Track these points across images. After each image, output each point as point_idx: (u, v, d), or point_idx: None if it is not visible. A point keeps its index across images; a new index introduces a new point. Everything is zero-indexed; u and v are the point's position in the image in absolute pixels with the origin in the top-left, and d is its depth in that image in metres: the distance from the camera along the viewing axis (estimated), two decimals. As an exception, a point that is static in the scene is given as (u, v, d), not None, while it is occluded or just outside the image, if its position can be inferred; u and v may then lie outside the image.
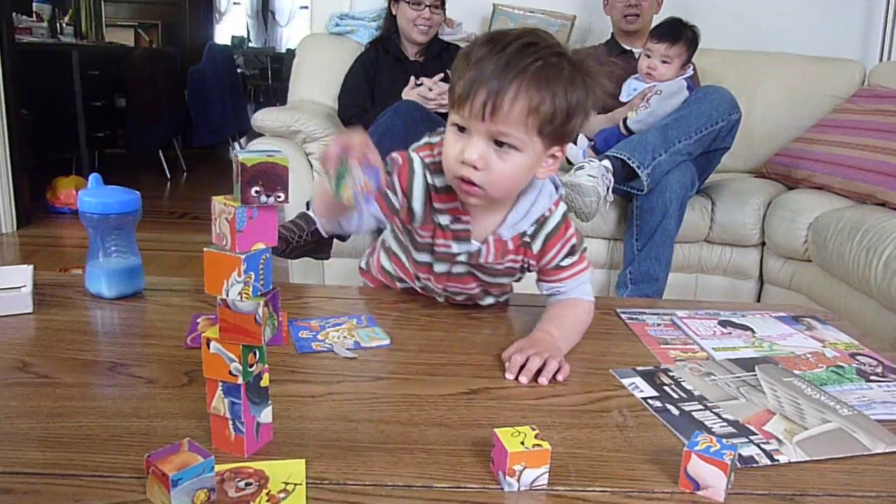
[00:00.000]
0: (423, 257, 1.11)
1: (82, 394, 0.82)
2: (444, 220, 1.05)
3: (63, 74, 4.04)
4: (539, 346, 0.95)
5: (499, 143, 0.93)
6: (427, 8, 2.49)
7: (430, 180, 1.03)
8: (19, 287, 1.06)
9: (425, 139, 1.09)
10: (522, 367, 0.92)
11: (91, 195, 1.07)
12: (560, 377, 0.92)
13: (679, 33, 2.32)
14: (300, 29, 10.94)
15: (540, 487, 0.68)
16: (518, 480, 0.68)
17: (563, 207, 1.08)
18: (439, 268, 1.11)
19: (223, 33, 9.77)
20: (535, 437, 0.69)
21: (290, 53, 9.29)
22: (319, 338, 1.02)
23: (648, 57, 2.35)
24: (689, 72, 2.39)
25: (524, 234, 1.06)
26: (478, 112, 0.90)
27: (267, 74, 8.47)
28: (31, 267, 1.13)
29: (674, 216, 2.09)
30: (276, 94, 8.65)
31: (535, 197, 1.05)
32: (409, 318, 1.13)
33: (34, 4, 4.51)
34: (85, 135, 4.22)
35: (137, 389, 0.84)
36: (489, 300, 1.19)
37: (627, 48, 2.62)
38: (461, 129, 0.95)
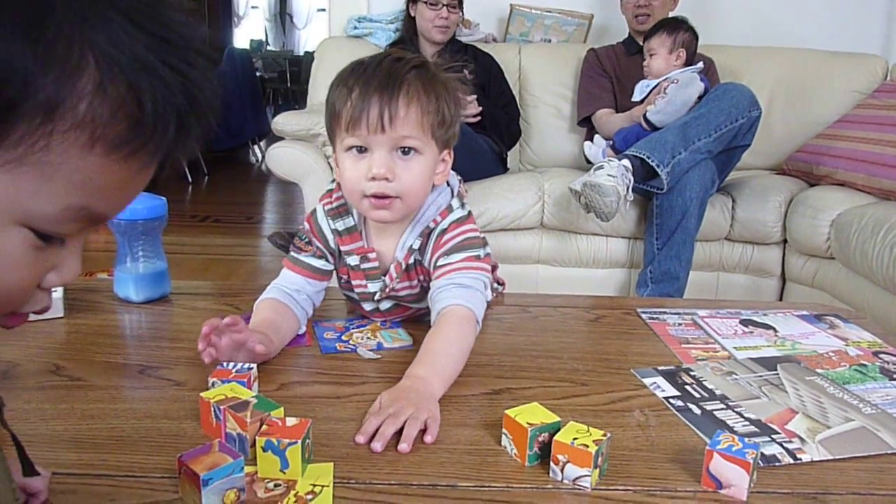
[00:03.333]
0: (353, 296, 1.11)
1: (113, 396, 0.84)
2: (352, 261, 1.05)
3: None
4: (401, 401, 0.80)
5: (403, 151, 0.95)
6: (444, 7, 2.51)
7: (332, 226, 1.05)
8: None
9: (328, 186, 1.09)
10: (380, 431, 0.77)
11: (119, 201, 1.09)
12: (428, 439, 0.77)
13: (658, 26, 2.41)
14: (318, 31, 11.02)
15: (582, 488, 0.69)
16: (562, 471, 0.69)
17: (453, 215, 1.03)
18: (367, 306, 1.10)
19: (242, 37, 9.86)
20: (594, 440, 0.70)
21: (309, 56, 9.34)
22: (344, 339, 1.04)
23: (645, 59, 2.43)
24: (700, 64, 2.38)
25: (411, 247, 1.03)
26: (376, 125, 0.91)
27: (286, 77, 8.53)
28: (61, 272, 1.15)
29: (694, 214, 2.08)
30: (294, 96, 8.71)
31: (423, 211, 1.02)
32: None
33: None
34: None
35: (167, 391, 0.86)
36: None
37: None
38: (360, 150, 0.95)
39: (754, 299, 2.33)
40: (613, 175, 1.93)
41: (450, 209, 1.04)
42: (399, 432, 0.76)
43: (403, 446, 0.74)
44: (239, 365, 0.84)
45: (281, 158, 2.32)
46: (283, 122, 2.34)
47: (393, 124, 0.91)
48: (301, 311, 1.04)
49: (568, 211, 2.23)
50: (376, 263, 1.04)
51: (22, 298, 0.43)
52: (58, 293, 1.07)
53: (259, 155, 6.28)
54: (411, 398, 0.81)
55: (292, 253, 1.08)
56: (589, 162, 2.52)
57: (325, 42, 2.95)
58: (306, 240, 1.07)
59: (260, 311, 1.01)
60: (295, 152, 2.30)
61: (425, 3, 2.51)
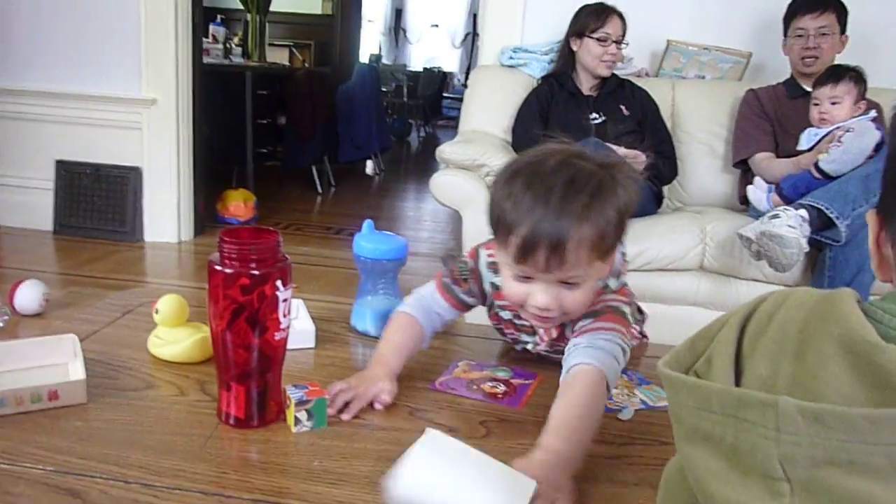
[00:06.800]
0: (506, 339, 1.16)
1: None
2: (505, 315, 1.09)
3: (237, 93, 4.32)
4: (543, 483, 0.73)
5: (567, 283, 0.92)
6: (613, 44, 2.54)
7: (491, 278, 1.07)
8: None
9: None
10: None
11: (366, 240, 1.16)
12: None
13: (841, 73, 2.32)
14: (429, 47, 11.24)
15: None
16: None
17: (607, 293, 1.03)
18: (518, 347, 1.14)
19: (361, 51, 10.14)
20: None
21: (428, 72, 9.51)
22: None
23: (817, 105, 2.33)
24: (873, 113, 2.30)
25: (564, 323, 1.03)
26: (543, 267, 0.88)
27: (402, 92, 8.71)
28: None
29: (870, 270, 2.01)
30: (410, 111, 8.90)
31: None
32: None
33: (210, 27, 4.85)
34: (251, 150, 4.50)
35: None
36: None
37: (808, 89, 2.56)
38: (524, 277, 0.93)
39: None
40: (793, 226, 1.89)
41: (606, 289, 1.02)
42: None
43: None
44: None
45: (444, 186, 2.39)
46: (450, 151, 2.41)
47: (560, 269, 0.89)
48: (431, 331, 1.09)
49: (731, 256, 2.20)
50: (528, 322, 1.05)
51: None
52: (311, 326, 1.15)
53: (379, 168, 6.44)
54: (552, 472, 0.76)
55: (446, 279, 1.10)
56: (744, 203, 2.48)
57: (479, 70, 3.02)
58: (465, 277, 1.09)
59: (392, 331, 1.06)
60: (458, 181, 2.36)
61: (594, 38, 2.55)
